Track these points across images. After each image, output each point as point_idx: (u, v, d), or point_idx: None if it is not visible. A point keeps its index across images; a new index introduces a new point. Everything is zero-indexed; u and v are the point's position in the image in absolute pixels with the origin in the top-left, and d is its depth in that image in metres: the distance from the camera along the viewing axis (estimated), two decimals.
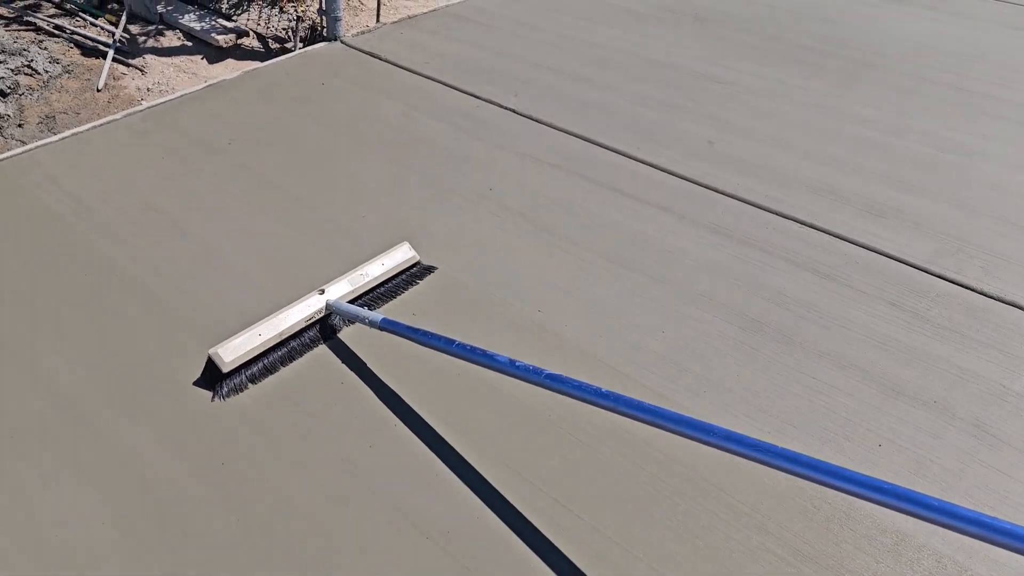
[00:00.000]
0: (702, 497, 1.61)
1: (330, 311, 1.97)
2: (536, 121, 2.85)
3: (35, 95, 4.18)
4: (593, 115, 2.90)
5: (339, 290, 1.99)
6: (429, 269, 2.18)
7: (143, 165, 2.51)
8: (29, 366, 1.84)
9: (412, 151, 2.64)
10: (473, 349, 1.76)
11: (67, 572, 1.45)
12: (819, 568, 1.48)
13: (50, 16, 4.98)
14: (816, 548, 1.51)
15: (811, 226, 2.36)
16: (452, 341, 1.80)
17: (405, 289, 2.11)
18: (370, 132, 2.71)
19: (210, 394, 1.81)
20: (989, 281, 2.13)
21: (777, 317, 2.03)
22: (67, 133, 2.66)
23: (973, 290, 2.10)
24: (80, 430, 1.71)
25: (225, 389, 1.81)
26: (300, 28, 5.03)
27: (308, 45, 4.32)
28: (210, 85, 3.00)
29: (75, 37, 4.77)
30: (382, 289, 2.08)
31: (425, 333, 1.84)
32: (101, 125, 2.73)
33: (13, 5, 4.99)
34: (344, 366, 1.90)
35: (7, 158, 2.53)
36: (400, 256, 2.12)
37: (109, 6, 5.27)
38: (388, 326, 1.88)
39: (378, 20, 4.94)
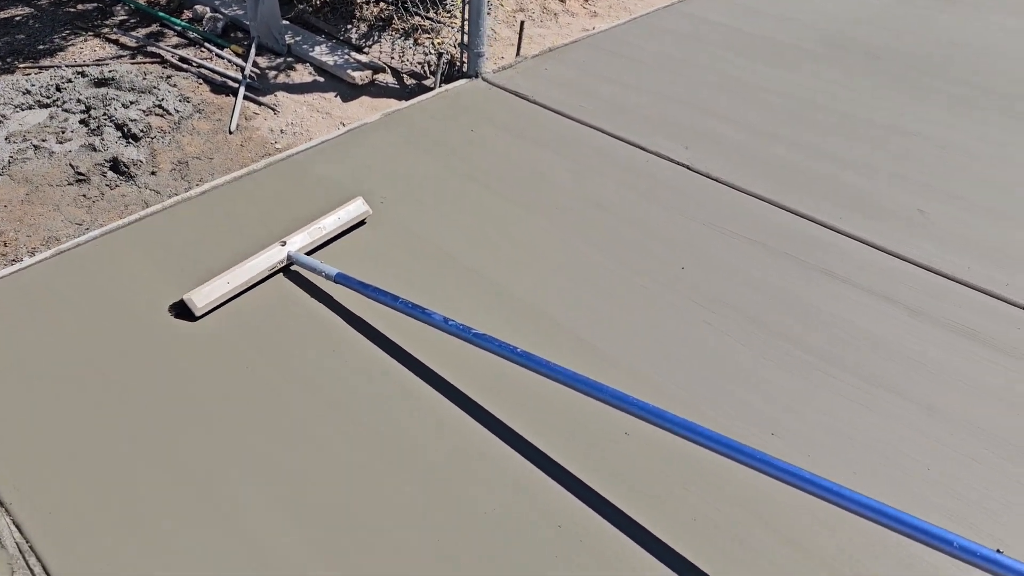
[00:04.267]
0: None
1: (291, 261, 2.01)
2: (717, 181, 2.45)
3: (167, 138, 3.95)
4: (781, 175, 2.48)
5: (299, 241, 2.05)
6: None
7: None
8: None
9: (581, 215, 2.27)
10: (413, 306, 1.77)
11: None
12: None
13: (174, 47, 4.69)
14: None
15: None
16: (396, 298, 1.79)
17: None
18: (533, 191, 2.38)
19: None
20: None
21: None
22: (207, 187, 2.37)
23: None
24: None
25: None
26: (440, 63, 4.70)
27: (447, 81, 4.13)
28: (350, 130, 2.70)
29: (203, 71, 4.47)
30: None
31: (375, 289, 1.84)
32: (240, 178, 2.43)
33: (135, 33, 4.70)
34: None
35: (144, 217, 2.23)
36: (354, 210, 2.15)
37: (232, 34, 4.97)
38: (342, 280, 1.89)
39: (518, 54, 4.43)
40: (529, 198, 2.34)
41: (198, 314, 1.87)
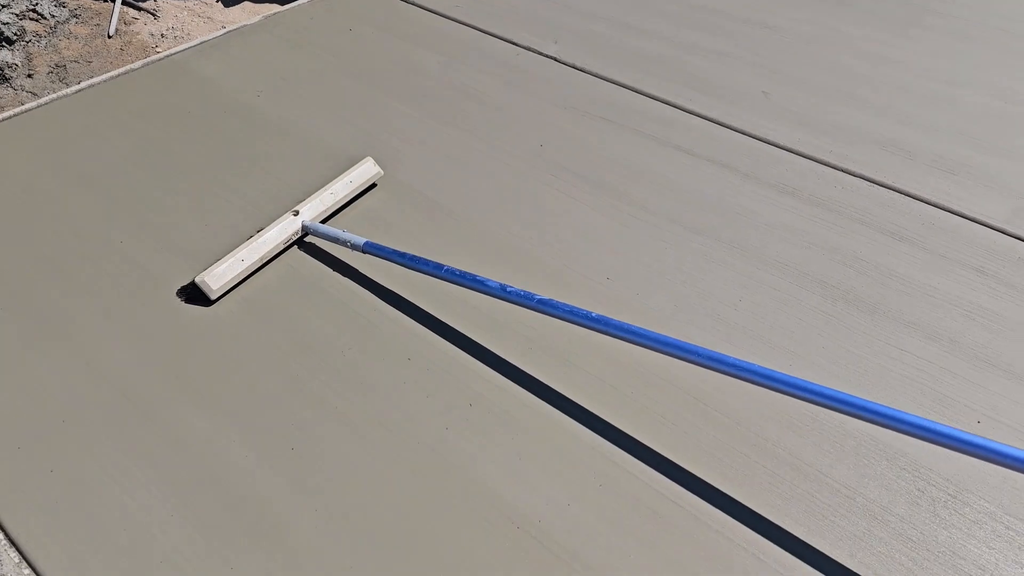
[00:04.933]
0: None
1: (306, 232, 1.84)
2: (580, 70, 2.57)
3: (43, 42, 3.90)
4: (639, 64, 2.60)
5: (313, 209, 1.88)
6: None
7: (167, 120, 2.28)
8: None
9: (451, 104, 2.39)
10: (463, 274, 1.64)
11: None
12: None
13: None
14: None
15: (880, 184, 2.07)
16: (440, 266, 1.66)
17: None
18: (407, 83, 2.49)
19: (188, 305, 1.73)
20: None
21: (857, 283, 1.79)
22: (83, 85, 2.40)
23: None
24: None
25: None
26: None
27: None
28: (230, 31, 2.74)
29: None
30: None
31: (413, 257, 1.69)
32: (118, 76, 2.45)
33: None
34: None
35: (20, 113, 2.28)
36: (365, 171, 2.00)
37: None
38: (372, 249, 1.73)
39: None
40: (403, 90, 2.44)
41: (213, 297, 1.70)
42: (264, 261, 1.77)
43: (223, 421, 1.48)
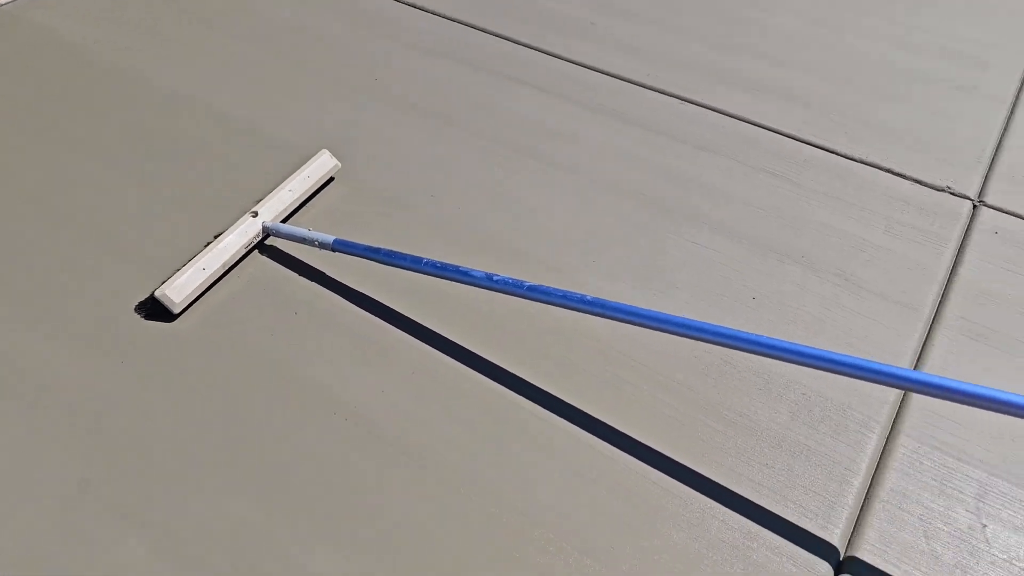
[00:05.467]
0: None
1: (267, 233, 1.74)
2: (423, 10, 2.60)
3: None
4: (480, 3, 2.67)
5: (272, 209, 1.77)
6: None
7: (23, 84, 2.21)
8: None
9: (290, 42, 2.41)
10: (445, 266, 1.57)
11: None
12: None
13: None
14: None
15: (690, 101, 2.27)
16: (419, 259, 1.58)
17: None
18: (243, 22, 2.48)
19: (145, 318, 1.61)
20: (853, 146, 2.12)
21: (671, 194, 1.96)
22: None
23: (838, 154, 2.09)
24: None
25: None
26: None
27: None
28: None
29: None
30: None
31: (388, 252, 1.62)
32: None
33: None
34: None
35: None
36: (322, 165, 1.89)
37: None
38: (342, 247, 1.65)
39: None
40: (241, 30, 2.46)
41: (176, 311, 1.59)
42: (226, 268, 1.67)
43: (206, 458, 1.39)
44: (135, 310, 1.62)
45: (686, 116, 2.21)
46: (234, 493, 1.32)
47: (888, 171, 2.04)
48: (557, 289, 1.45)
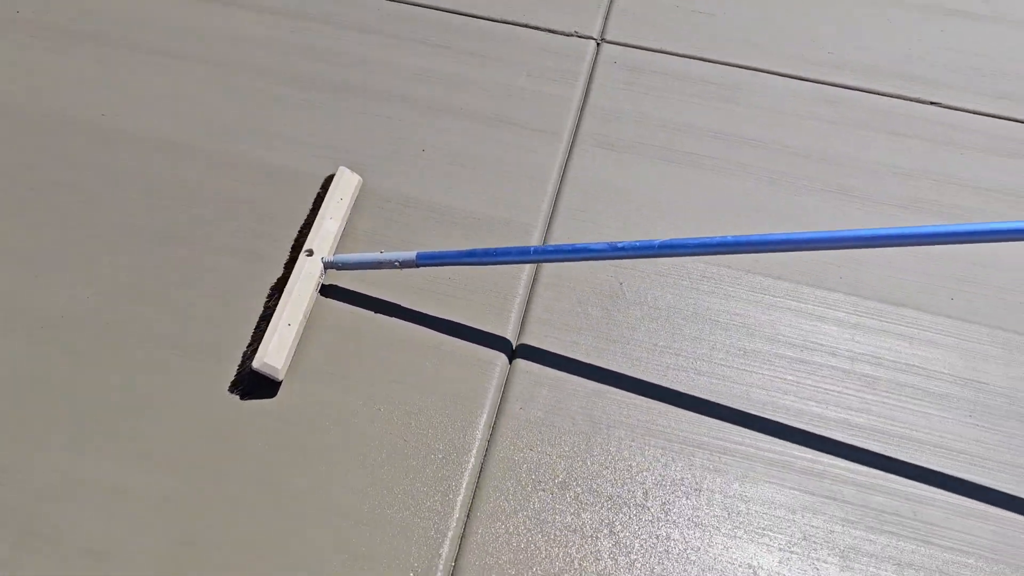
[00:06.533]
0: None
1: (328, 268, 1.55)
2: None
3: None
4: None
5: (323, 243, 1.57)
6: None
7: None
8: None
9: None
10: (558, 248, 1.47)
11: None
12: None
13: None
14: None
15: None
16: (527, 249, 1.51)
17: None
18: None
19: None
20: (492, 8, 2.24)
21: (329, 72, 2.03)
22: None
23: (481, 17, 2.22)
24: None
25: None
26: None
27: None
28: None
29: None
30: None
31: (486, 252, 1.48)
32: None
33: None
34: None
35: None
36: (347, 182, 1.71)
37: None
38: (428, 260, 1.48)
39: None
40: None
41: (281, 378, 1.38)
42: (306, 319, 1.47)
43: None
44: (228, 390, 1.38)
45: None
46: None
47: (524, 26, 2.21)
48: (682, 240, 1.43)
